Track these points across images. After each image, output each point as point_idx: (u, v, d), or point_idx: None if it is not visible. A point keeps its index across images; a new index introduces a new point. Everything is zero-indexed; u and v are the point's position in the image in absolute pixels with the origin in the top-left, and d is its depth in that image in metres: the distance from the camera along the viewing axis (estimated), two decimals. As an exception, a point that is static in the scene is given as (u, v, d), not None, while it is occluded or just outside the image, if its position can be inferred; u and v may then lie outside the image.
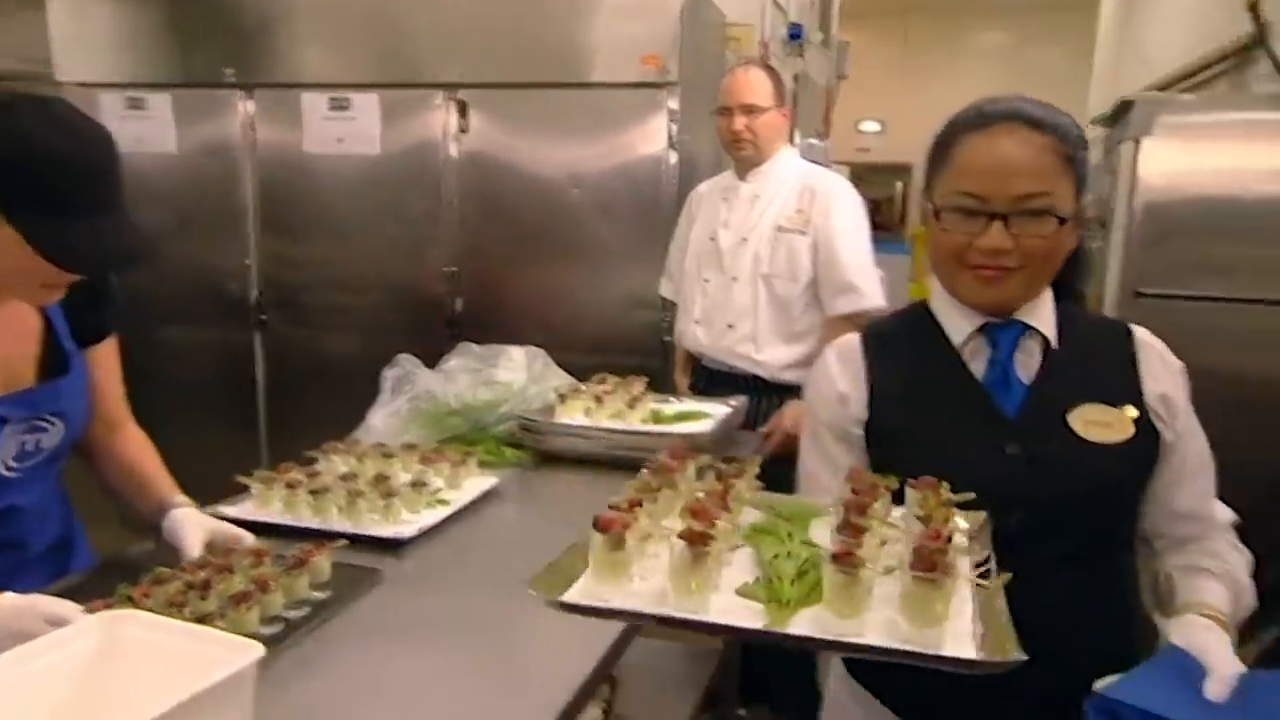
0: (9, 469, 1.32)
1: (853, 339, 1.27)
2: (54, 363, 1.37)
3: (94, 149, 1.19)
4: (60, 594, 1.05)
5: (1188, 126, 2.64)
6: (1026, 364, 1.18)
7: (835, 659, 1.33)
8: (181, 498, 1.43)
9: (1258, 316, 2.52)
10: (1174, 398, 1.18)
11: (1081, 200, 1.13)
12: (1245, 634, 1.15)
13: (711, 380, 2.59)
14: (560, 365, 2.24)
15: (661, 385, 2.41)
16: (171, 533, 1.35)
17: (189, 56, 3.52)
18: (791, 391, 2.44)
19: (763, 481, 1.19)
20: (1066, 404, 1.15)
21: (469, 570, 1.45)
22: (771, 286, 2.49)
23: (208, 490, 1.55)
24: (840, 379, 1.24)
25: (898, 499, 1.07)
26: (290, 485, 1.56)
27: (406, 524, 1.51)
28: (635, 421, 2.04)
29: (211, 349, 3.66)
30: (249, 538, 1.35)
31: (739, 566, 1.00)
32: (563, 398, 2.09)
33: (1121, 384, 1.17)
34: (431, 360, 2.15)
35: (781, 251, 2.49)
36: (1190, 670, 0.96)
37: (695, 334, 2.62)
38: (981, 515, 1.05)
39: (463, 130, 3.28)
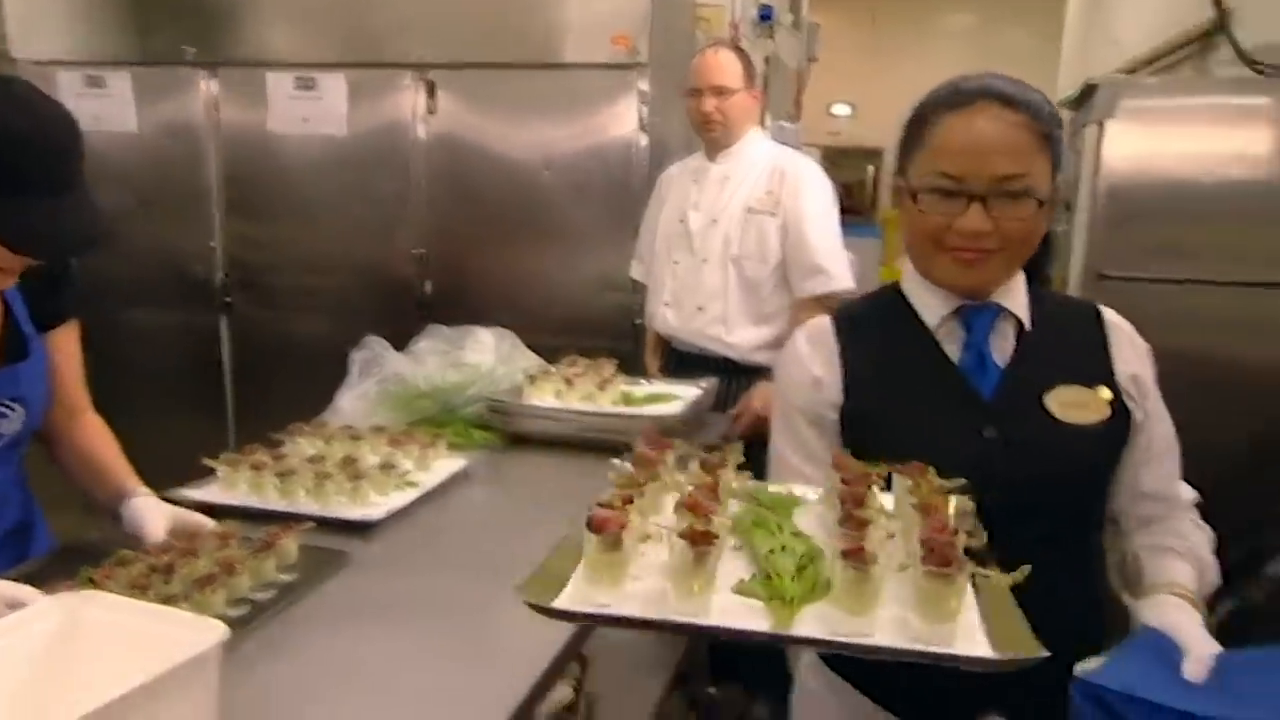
0: None
1: (823, 322, 1.26)
2: (12, 347, 1.35)
3: (54, 128, 1.17)
4: (19, 579, 1.04)
5: (1151, 110, 2.67)
6: (1001, 347, 1.18)
7: None
8: (141, 487, 1.41)
9: (1220, 299, 2.56)
10: (1143, 378, 1.19)
11: (1056, 180, 1.12)
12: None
13: (681, 362, 2.60)
14: (530, 347, 2.24)
15: (632, 367, 2.41)
16: (132, 519, 1.33)
17: (149, 34, 3.45)
18: (761, 373, 2.46)
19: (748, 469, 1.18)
20: (1042, 386, 1.15)
21: (438, 552, 1.45)
22: (741, 268, 2.50)
23: (173, 474, 1.54)
24: (813, 363, 1.22)
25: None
26: (256, 468, 1.55)
27: (375, 506, 1.50)
28: (605, 403, 2.04)
29: (176, 332, 3.61)
30: (211, 524, 1.33)
31: (729, 561, 0.97)
32: (532, 379, 2.08)
33: (1094, 365, 1.18)
34: (400, 343, 2.13)
35: (751, 233, 2.49)
36: (1167, 651, 0.97)
37: (665, 316, 2.62)
38: (965, 499, 1.02)
39: (431, 111, 3.25)
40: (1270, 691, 0.90)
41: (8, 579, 1.04)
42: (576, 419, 1.99)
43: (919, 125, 1.15)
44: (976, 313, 1.17)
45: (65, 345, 1.45)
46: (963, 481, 1.01)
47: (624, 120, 3.08)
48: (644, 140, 3.06)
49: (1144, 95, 2.71)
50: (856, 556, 0.84)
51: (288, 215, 3.45)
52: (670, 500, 1.05)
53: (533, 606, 0.85)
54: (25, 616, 0.88)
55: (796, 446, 1.23)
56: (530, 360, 2.20)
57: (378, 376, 2.06)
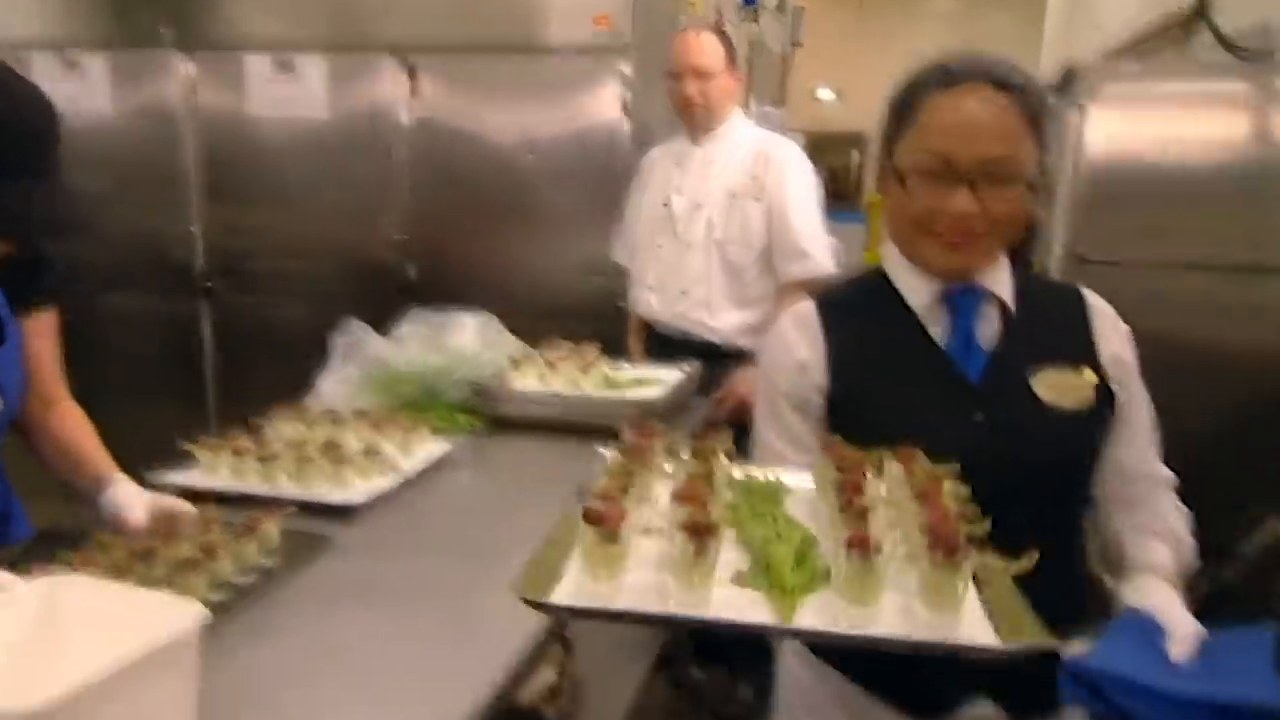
0: None
1: (807, 306, 1.24)
2: None
3: (30, 111, 1.16)
4: (-3, 565, 1.04)
5: (1132, 94, 2.68)
6: (986, 330, 1.17)
7: None
8: (120, 475, 1.40)
9: (1199, 282, 2.58)
10: (1125, 360, 1.19)
11: (1043, 163, 1.11)
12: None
13: (665, 347, 2.60)
14: (513, 332, 2.23)
15: (615, 352, 2.41)
16: (111, 506, 1.33)
17: (125, 15, 3.41)
18: (745, 357, 2.46)
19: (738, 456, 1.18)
20: (1029, 369, 1.15)
21: (421, 537, 1.45)
22: (725, 252, 2.50)
23: (153, 461, 1.54)
24: (798, 346, 1.21)
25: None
26: (237, 452, 1.54)
27: (357, 490, 1.50)
28: (588, 387, 2.05)
29: (155, 317, 3.58)
30: (191, 508, 1.32)
31: (723, 550, 0.94)
32: (516, 364, 2.09)
33: (1078, 347, 1.18)
34: (383, 328, 2.13)
35: (735, 217, 2.49)
36: (1151, 632, 0.98)
37: (649, 300, 2.63)
38: (959, 485, 1.01)
39: (413, 94, 3.23)
40: (1253, 670, 0.92)
41: (-14, 565, 1.04)
42: (560, 402, 2.00)
43: (906, 105, 1.14)
44: (962, 296, 1.16)
45: (43, 333, 1.44)
46: (956, 467, 1.00)
47: (607, 103, 3.07)
48: (627, 124, 3.05)
49: (1125, 80, 2.72)
50: (861, 546, 0.82)
51: (268, 200, 3.43)
52: (662, 489, 1.04)
53: (530, 603, 0.83)
54: (2, 601, 0.87)
55: (781, 432, 1.22)
56: (513, 345, 2.19)
57: (360, 361, 2.05)
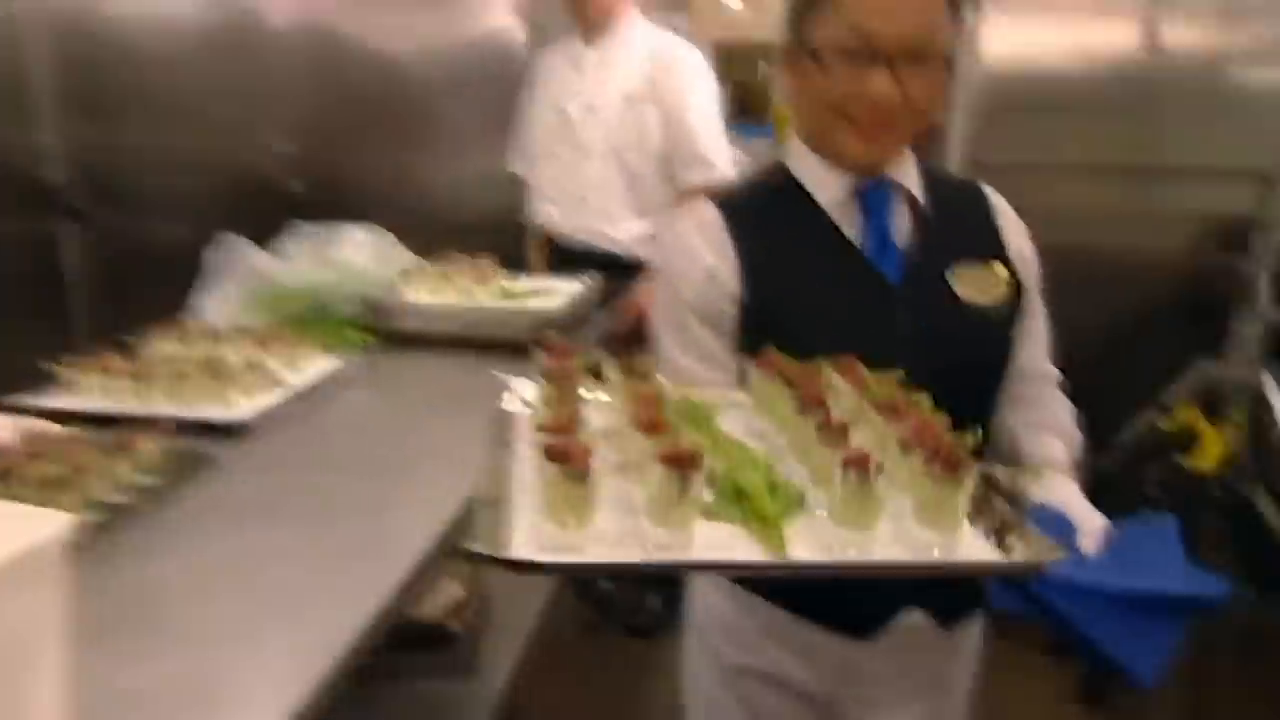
0: None
1: (710, 211, 1.18)
2: None
3: None
4: None
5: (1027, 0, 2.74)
6: (900, 228, 1.15)
7: None
8: None
9: (1092, 186, 2.68)
10: (1028, 256, 1.20)
11: (956, 45, 1.09)
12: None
13: (565, 259, 2.58)
14: (407, 249, 2.18)
15: (515, 266, 2.38)
16: None
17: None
18: (647, 269, 2.45)
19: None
20: (945, 267, 1.13)
21: (315, 454, 1.41)
22: (623, 159, 2.48)
23: (16, 387, 1.46)
24: (704, 254, 1.14)
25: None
26: (108, 371, 1.48)
27: (243, 407, 1.45)
28: (485, 299, 2.03)
29: (14, 240, 3.37)
30: (60, 430, 1.26)
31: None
32: (409, 276, 2.04)
33: (988, 243, 1.17)
34: (268, 244, 2.05)
35: (632, 122, 2.47)
36: (1059, 527, 0.98)
37: (548, 212, 2.60)
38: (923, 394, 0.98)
39: (289, -5, 3.07)
40: (1165, 560, 0.96)
41: None
42: (455, 315, 1.96)
43: None
44: (874, 192, 1.14)
45: None
46: (900, 373, 0.97)
47: (501, 9, 2.97)
48: (521, 28, 2.97)
49: (1022, -17, 2.77)
50: (861, 466, 0.77)
51: (136, 110, 3.21)
52: (595, 416, 0.95)
53: (498, 561, 0.74)
54: None
55: (688, 347, 1.16)
56: (406, 258, 2.14)
57: (242, 277, 1.98)
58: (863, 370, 0.98)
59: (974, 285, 1.13)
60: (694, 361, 1.16)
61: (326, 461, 1.38)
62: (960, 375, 1.05)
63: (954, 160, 2.71)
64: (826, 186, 1.15)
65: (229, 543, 1.11)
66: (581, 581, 2.61)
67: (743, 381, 1.10)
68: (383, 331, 1.96)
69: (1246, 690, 2.40)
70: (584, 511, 0.77)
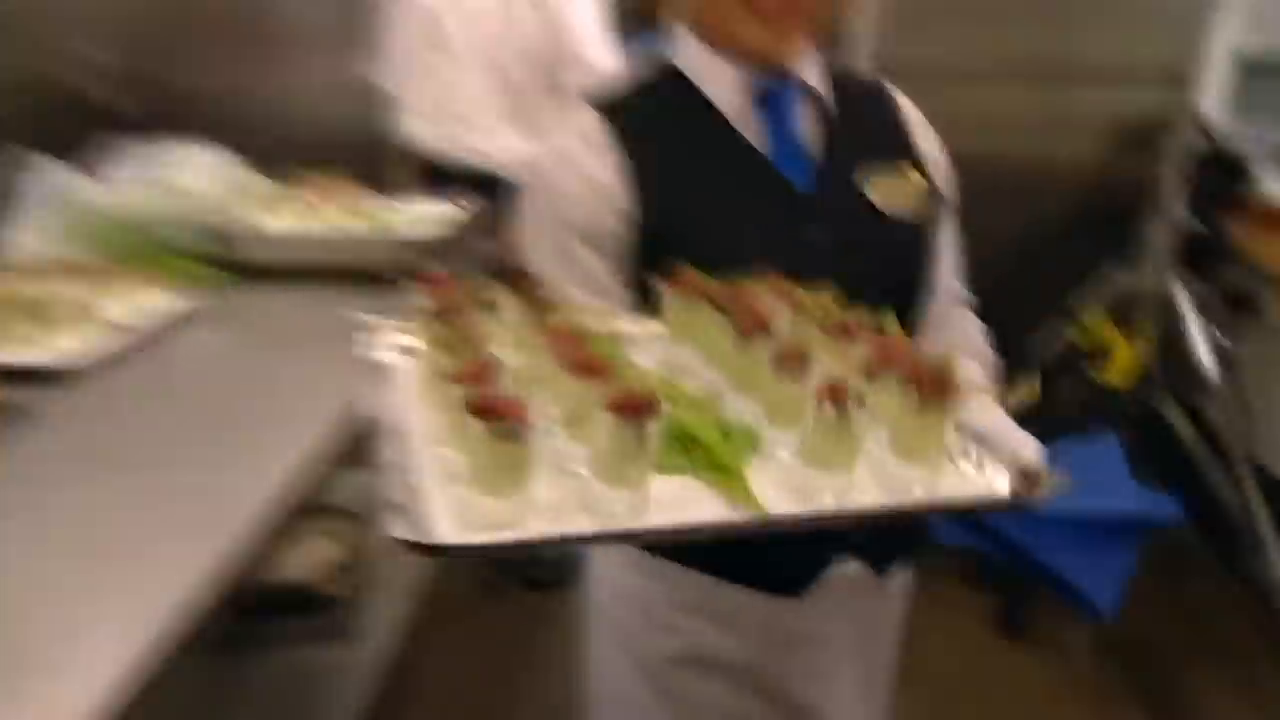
0: None
1: (589, 116, 1.10)
2: None
3: None
4: None
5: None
6: (806, 131, 1.10)
7: None
8: None
9: (1006, 93, 2.73)
10: (940, 161, 1.17)
11: None
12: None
13: (439, 180, 2.47)
14: (251, 168, 2.05)
15: (374, 186, 2.29)
16: None
17: None
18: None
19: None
20: (857, 172, 1.09)
21: (151, 401, 1.31)
22: (500, 66, 2.39)
23: None
24: (589, 167, 1.07)
25: None
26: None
27: (68, 352, 1.32)
28: (347, 224, 1.91)
29: None
30: None
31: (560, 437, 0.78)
32: (265, 203, 1.90)
33: (898, 146, 1.14)
34: (88, 168, 1.89)
35: (511, 27, 2.37)
36: (993, 450, 0.99)
37: (416, 126, 2.51)
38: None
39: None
40: (1111, 481, 0.97)
41: None
42: (313, 244, 1.85)
43: None
44: (778, 93, 1.08)
45: None
46: (833, 290, 0.93)
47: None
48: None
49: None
50: (840, 398, 0.71)
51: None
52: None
53: (428, 549, 0.65)
54: None
55: (571, 273, 1.08)
56: (259, 182, 1.99)
57: (60, 207, 1.82)
58: (795, 288, 0.93)
59: (889, 191, 1.10)
60: (578, 290, 1.08)
61: (163, 410, 1.29)
62: (880, 293, 0.99)
63: (858, 64, 2.72)
64: (722, 84, 1.08)
65: (49, 499, 1.04)
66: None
67: (646, 309, 1.02)
68: (229, 264, 1.84)
69: (1165, 610, 2.50)
70: (521, 476, 0.68)
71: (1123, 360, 2.45)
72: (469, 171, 2.44)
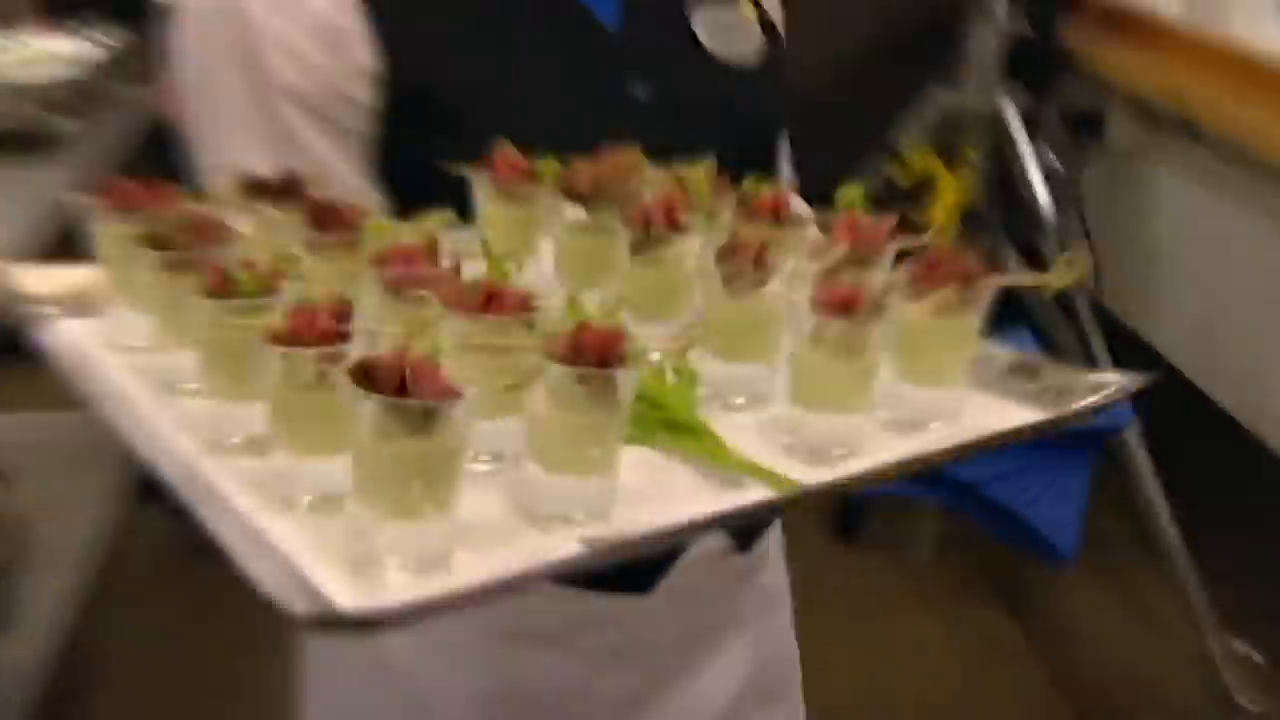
0: None
1: None
2: None
3: None
4: None
5: None
6: None
7: None
8: None
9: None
10: None
11: None
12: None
13: (67, 5, 2.22)
14: None
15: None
16: None
17: None
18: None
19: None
20: (679, 7, 1.01)
21: None
22: None
23: None
24: (316, 5, 0.86)
25: None
26: None
27: None
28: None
29: None
30: None
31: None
32: None
33: None
34: None
35: None
36: None
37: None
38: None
39: None
40: None
41: None
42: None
43: None
44: None
45: None
46: (708, 159, 0.85)
47: None
48: None
49: None
50: (850, 308, 0.65)
51: None
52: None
53: (350, 625, 0.50)
54: None
55: (279, 152, 0.87)
56: None
57: None
58: (665, 167, 0.84)
59: (720, 31, 1.03)
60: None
61: None
62: (722, 156, 0.90)
63: None
64: None
65: None
66: (162, 502, 2.36)
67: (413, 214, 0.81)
68: None
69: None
70: (447, 485, 0.54)
71: (947, 195, 2.44)
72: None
